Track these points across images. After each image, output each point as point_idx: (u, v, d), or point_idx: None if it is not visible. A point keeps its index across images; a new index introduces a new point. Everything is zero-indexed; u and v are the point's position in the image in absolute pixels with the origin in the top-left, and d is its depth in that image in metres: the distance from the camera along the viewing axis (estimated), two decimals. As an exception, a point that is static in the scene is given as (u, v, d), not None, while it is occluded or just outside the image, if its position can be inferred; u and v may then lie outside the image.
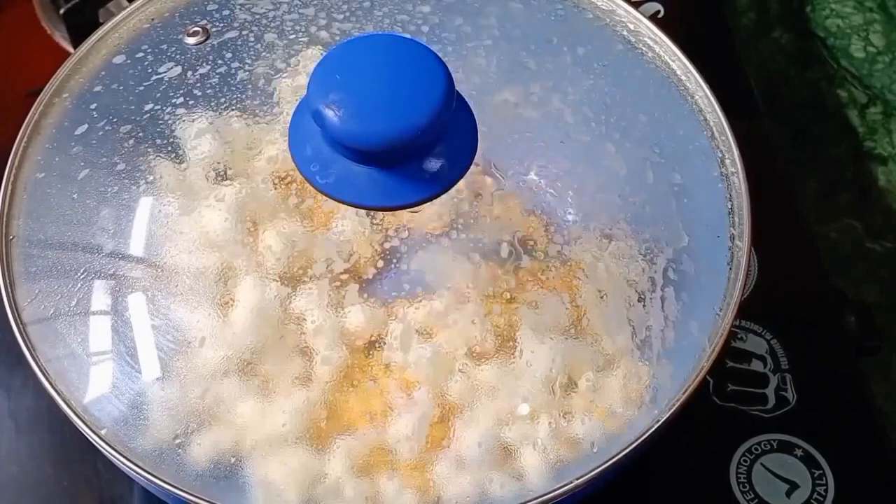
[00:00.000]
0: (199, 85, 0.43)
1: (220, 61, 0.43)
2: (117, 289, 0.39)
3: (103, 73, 0.44)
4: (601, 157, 0.42)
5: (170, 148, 0.42)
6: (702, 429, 0.50)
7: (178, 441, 0.37)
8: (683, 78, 0.45)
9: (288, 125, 0.38)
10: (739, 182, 0.42)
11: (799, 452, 0.50)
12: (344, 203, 0.37)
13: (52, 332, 0.39)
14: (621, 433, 0.38)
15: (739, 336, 0.54)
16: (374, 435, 0.37)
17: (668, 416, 0.37)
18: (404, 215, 0.39)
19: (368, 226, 0.39)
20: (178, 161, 0.41)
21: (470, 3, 0.45)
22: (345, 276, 0.38)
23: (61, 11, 0.58)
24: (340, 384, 0.38)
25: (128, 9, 0.46)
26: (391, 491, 0.37)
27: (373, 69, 0.36)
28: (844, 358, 0.54)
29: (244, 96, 0.43)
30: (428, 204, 0.37)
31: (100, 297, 0.40)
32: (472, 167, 0.38)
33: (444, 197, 0.37)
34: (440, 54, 0.36)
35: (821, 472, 0.50)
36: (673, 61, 0.45)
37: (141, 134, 0.42)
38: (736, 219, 0.42)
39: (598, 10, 0.46)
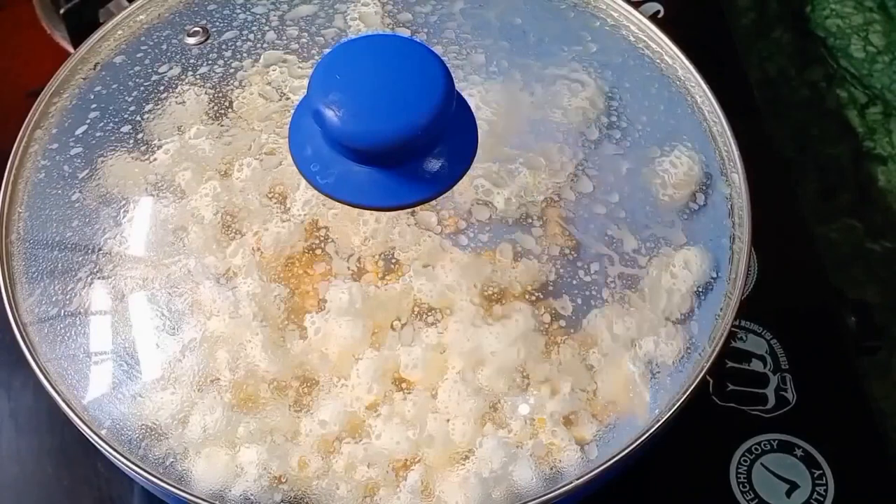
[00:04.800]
0: (199, 85, 0.43)
1: (220, 61, 0.43)
2: (117, 289, 0.39)
3: (103, 73, 0.45)
4: (601, 157, 0.42)
5: (169, 148, 0.42)
6: (702, 429, 0.50)
7: (178, 440, 0.37)
8: (683, 78, 0.45)
9: (288, 125, 0.38)
10: (739, 182, 0.42)
11: (799, 452, 0.50)
12: (344, 203, 0.37)
13: (52, 332, 0.39)
14: (621, 433, 0.38)
15: (739, 336, 0.54)
16: (374, 436, 0.37)
17: (668, 416, 0.37)
18: (404, 215, 0.39)
19: (368, 226, 0.39)
20: (178, 161, 0.41)
21: (470, 3, 0.45)
22: (344, 277, 0.38)
23: (61, 11, 0.58)
24: (340, 384, 0.38)
25: (128, 9, 0.46)
26: (391, 492, 0.37)
27: (373, 69, 0.36)
28: (844, 358, 0.54)
29: (244, 96, 0.43)
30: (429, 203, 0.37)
31: (100, 296, 0.40)
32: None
33: (444, 196, 0.37)
34: (440, 54, 0.36)
35: (821, 472, 0.50)
36: (673, 61, 0.45)
37: (141, 134, 0.42)
38: (736, 219, 0.42)
39: (598, 11, 0.46)
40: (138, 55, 0.45)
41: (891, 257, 0.69)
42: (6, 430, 0.51)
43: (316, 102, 0.35)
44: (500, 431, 0.37)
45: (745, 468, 0.50)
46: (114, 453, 0.37)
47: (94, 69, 0.44)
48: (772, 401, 0.52)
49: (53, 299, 0.40)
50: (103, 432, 0.38)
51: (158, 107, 0.43)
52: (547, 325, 0.38)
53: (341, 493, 0.37)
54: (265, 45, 0.44)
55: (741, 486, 0.49)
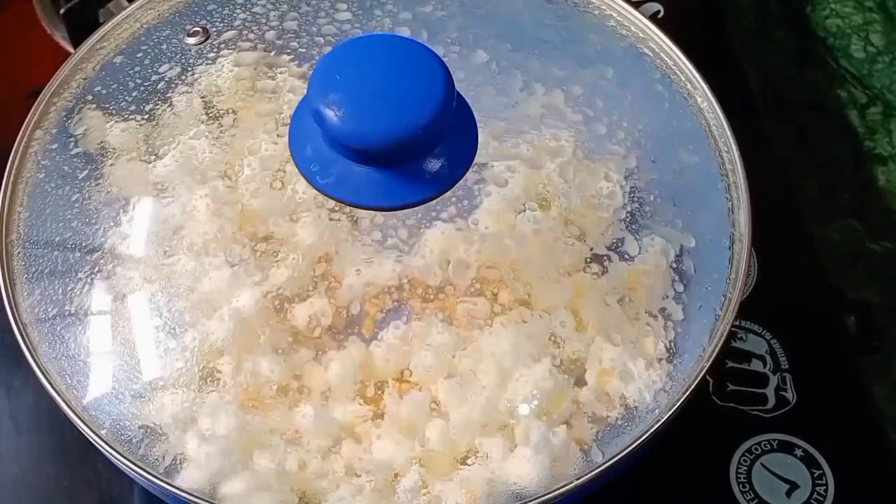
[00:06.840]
0: (198, 85, 0.43)
1: (220, 61, 0.43)
2: (117, 289, 0.39)
3: (103, 73, 0.45)
4: (602, 158, 0.42)
5: (169, 148, 0.42)
6: (702, 429, 0.50)
7: (178, 440, 0.37)
8: (683, 78, 0.45)
9: (288, 125, 0.38)
10: (739, 182, 0.42)
11: (799, 452, 0.50)
12: (344, 203, 0.37)
13: (52, 332, 0.39)
14: (621, 433, 0.38)
15: (739, 336, 0.54)
16: (374, 436, 0.37)
17: (668, 416, 0.37)
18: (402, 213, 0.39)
19: (368, 226, 0.39)
20: (178, 161, 0.41)
21: (470, 3, 0.45)
22: (345, 278, 0.38)
23: (61, 11, 0.58)
24: (340, 384, 0.38)
25: (128, 9, 0.46)
26: (390, 492, 0.37)
27: (373, 69, 0.36)
28: (844, 358, 0.54)
29: (243, 96, 0.43)
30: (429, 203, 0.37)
31: (100, 296, 0.40)
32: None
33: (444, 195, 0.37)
34: (440, 54, 0.36)
35: (821, 472, 0.50)
36: (672, 61, 0.45)
37: (140, 134, 0.42)
38: (736, 219, 0.42)
39: (597, 11, 0.46)
40: (138, 55, 0.45)
41: (891, 257, 0.69)
42: (6, 430, 0.51)
43: (316, 102, 0.35)
44: (500, 431, 0.37)
45: (745, 468, 0.50)
46: (114, 453, 0.37)
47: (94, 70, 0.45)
48: (772, 401, 0.52)
49: (53, 299, 0.40)
50: (103, 432, 0.38)
51: (158, 107, 0.43)
52: (546, 325, 0.38)
53: (341, 494, 0.37)
54: (265, 45, 0.44)
55: (741, 486, 0.49)
